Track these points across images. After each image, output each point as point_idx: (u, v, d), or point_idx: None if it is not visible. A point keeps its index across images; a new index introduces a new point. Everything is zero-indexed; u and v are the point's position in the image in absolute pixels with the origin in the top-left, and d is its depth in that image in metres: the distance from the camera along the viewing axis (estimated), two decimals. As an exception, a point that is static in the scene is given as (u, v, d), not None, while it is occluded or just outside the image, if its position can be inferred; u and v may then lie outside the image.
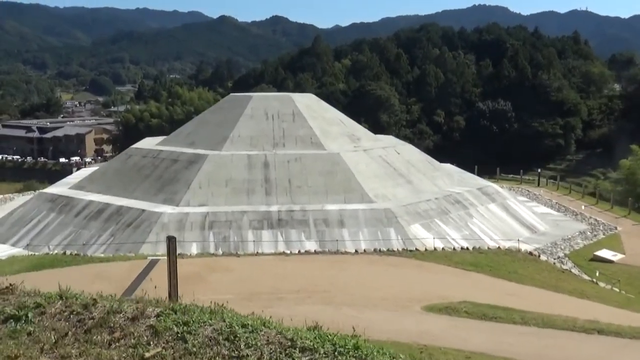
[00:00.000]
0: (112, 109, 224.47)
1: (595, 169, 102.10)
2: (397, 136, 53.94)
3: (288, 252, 26.73)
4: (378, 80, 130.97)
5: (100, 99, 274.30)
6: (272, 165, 35.10)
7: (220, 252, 28.33)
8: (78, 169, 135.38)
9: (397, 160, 38.55)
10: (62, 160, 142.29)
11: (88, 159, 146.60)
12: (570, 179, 72.92)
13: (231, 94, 49.11)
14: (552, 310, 19.40)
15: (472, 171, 49.35)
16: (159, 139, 44.56)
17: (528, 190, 49.55)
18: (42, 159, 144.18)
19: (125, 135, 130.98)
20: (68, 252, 26.76)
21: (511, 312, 18.66)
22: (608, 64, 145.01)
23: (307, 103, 41.70)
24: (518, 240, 29.91)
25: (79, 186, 38.27)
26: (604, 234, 36.64)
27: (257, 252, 26.93)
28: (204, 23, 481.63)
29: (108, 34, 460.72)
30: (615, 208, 44.81)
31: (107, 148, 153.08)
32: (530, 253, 27.64)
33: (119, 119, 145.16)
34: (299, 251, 27.06)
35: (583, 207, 42.85)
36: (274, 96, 42.69)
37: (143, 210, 32.04)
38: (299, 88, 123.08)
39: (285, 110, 39.84)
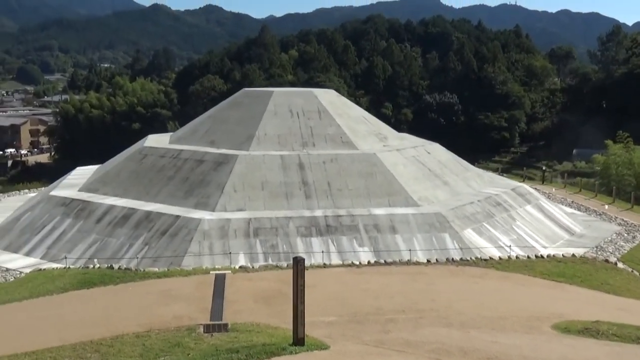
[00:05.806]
0: (46, 98, 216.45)
1: (540, 162, 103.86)
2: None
3: (357, 262, 24.68)
4: (327, 72, 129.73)
5: (30, 88, 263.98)
6: (307, 167, 32.79)
7: (270, 261, 26.21)
8: (14, 161, 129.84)
9: (429, 161, 36.88)
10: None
11: (24, 151, 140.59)
12: (515, 172, 74.55)
13: (245, 88, 46.33)
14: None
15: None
16: (165, 135, 41.52)
17: (536, 189, 48.37)
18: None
19: (65, 127, 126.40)
20: (115, 266, 23.98)
21: (666, 335, 17.18)
22: (548, 58, 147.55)
23: (330, 99, 39.50)
24: (597, 245, 28.61)
25: (90, 189, 34.94)
26: (641, 235, 35.75)
27: (325, 264, 24.85)
28: (136, 11, 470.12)
29: (35, 21, 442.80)
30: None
31: (43, 140, 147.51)
32: (607, 260, 26.38)
33: (57, 110, 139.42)
34: (369, 262, 25.04)
35: (606, 206, 42.17)
36: (296, 92, 40.31)
37: (178, 216, 29.22)
38: (247, 79, 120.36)
39: (310, 108, 37.56)
